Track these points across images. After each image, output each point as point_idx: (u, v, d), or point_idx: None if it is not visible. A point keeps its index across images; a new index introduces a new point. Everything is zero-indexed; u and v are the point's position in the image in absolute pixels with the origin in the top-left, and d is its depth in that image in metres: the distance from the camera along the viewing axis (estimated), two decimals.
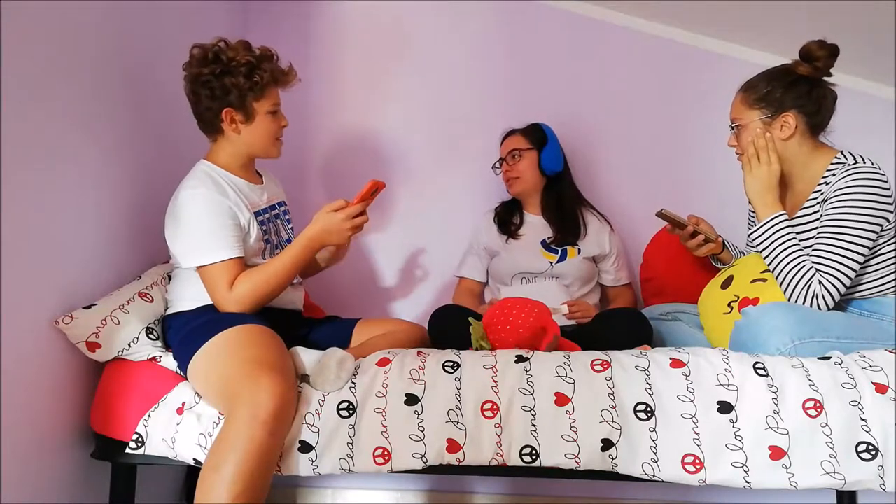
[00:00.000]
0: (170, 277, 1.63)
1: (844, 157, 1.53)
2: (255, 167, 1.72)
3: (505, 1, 2.38)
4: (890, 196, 1.47)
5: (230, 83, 1.52)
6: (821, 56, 1.54)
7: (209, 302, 1.50)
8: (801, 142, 1.57)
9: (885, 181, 1.47)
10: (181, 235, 1.51)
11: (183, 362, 1.42)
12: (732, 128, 1.64)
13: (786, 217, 1.52)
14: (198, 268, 1.50)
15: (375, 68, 2.40)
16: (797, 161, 1.58)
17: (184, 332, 1.46)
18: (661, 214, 1.76)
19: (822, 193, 1.53)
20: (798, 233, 1.55)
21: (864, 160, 1.51)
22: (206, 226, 1.49)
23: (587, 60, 2.36)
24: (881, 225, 1.47)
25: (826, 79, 1.58)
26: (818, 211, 1.53)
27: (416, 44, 2.40)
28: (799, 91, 1.56)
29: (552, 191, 2.10)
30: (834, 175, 1.51)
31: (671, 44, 2.34)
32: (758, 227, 1.54)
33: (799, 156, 1.58)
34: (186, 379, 1.43)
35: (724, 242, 1.82)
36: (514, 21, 2.38)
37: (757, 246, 1.54)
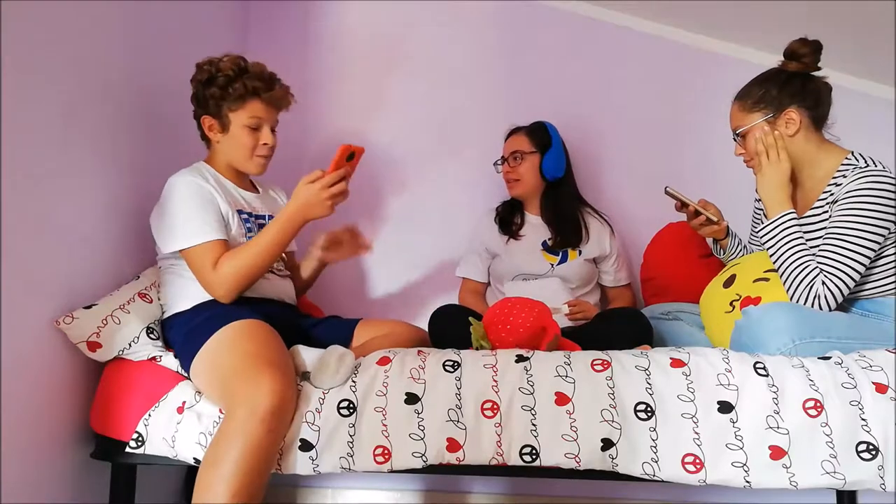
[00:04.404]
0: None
1: (855, 158, 1.53)
2: (251, 180, 1.75)
3: (505, 1, 2.38)
4: None
5: (208, 93, 1.59)
6: (805, 52, 1.56)
7: (205, 299, 1.50)
8: (807, 137, 1.57)
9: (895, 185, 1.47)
10: (166, 222, 1.53)
11: (186, 361, 1.42)
12: (735, 138, 1.64)
13: (795, 216, 1.52)
14: (182, 252, 1.50)
15: (376, 68, 2.40)
16: (805, 158, 1.58)
17: (185, 332, 1.46)
18: (668, 193, 1.74)
19: (831, 194, 1.52)
20: (805, 232, 1.54)
21: (875, 163, 1.51)
22: (190, 209, 1.51)
23: (587, 60, 2.36)
24: (888, 229, 1.46)
25: (816, 74, 1.58)
26: (827, 211, 1.53)
27: (416, 44, 2.40)
28: (794, 87, 1.56)
29: (552, 195, 2.08)
30: (845, 177, 1.50)
31: (671, 44, 2.34)
32: (766, 224, 1.53)
33: (807, 152, 1.57)
34: (189, 378, 1.43)
35: (728, 229, 1.81)
36: (514, 21, 2.37)
37: (764, 243, 1.54)
